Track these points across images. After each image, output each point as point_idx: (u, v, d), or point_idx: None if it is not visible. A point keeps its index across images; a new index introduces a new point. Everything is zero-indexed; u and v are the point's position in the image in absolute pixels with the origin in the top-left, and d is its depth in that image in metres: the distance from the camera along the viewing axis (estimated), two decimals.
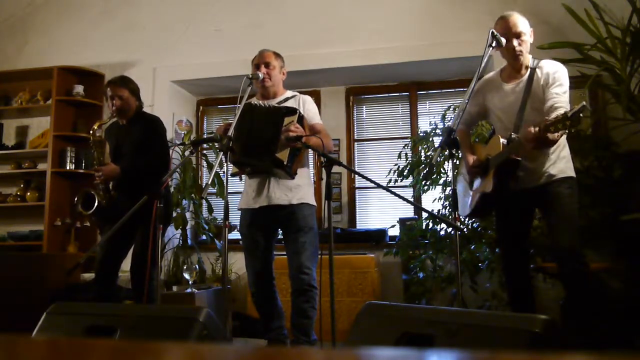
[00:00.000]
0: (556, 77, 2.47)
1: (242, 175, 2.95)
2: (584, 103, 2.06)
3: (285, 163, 2.69)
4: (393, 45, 4.41)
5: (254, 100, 2.91)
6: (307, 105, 2.95)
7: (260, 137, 2.73)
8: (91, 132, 3.34)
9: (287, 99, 2.96)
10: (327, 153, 2.48)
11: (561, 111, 2.18)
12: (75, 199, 3.22)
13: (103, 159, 3.29)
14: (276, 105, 2.87)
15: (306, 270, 2.74)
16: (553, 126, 2.13)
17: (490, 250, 3.49)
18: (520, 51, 2.54)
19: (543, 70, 2.52)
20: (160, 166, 3.15)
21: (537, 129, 2.20)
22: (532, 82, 2.52)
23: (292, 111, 2.75)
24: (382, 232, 4.44)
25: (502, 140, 2.47)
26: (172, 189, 4.43)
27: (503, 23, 2.56)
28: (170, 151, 4.55)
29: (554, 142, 2.30)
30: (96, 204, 3.13)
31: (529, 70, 2.57)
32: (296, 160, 2.75)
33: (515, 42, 2.52)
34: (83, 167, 4.75)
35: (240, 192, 3.09)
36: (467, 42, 4.06)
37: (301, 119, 2.74)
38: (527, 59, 2.60)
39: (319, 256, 2.62)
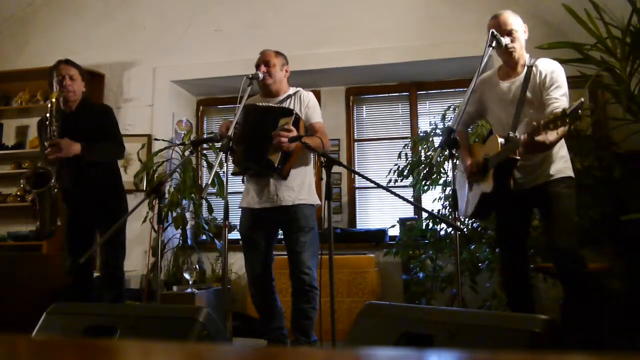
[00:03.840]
0: (554, 77, 2.47)
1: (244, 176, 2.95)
2: (582, 99, 2.07)
3: (276, 165, 2.66)
4: (393, 45, 4.41)
5: (256, 102, 2.89)
6: (308, 102, 2.90)
7: (256, 138, 2.72)
8: (49, 104, 3.03)
9: (288, 97, 2.93)
10: (326, 153, 2.48)
11: (559, 110, 2.18)
12: (24, 174, 2.96)
13: (57, 135, 2.98)
14: (273, 105, 2.84)
15: (307, 271, 2.74)
16: (552, 123, 2.13)
17: (490, 250, 3.49)
18: (513, 47, 2.54)
19: (540, 69, 2.52)
20: (120, 154, 3.19)
21: (531, 130, 2.20)
22: (528, 80, 2.52)
23: (288, 112, 2.71)
24: (382, 232, 4.44)
25: (499, 139, 2.47)
26: (172, 189, 4.43)
27: (494, 22, 2.58)
28: (170, 151, 4.59)
29: (547, 146, 2.30)
30: (52, 182, 2.89)
31: (525, 68, 2.57)
32: (289, 162, 2.72)
33: (507, 39, 2.53)
34: None
35: (240, 192, 3.07)
36: (467, 42, 4.07)
37: (297, 121, 2.70)
38: (524, 57, 2.60)
39: (319, 256, 2.61)
